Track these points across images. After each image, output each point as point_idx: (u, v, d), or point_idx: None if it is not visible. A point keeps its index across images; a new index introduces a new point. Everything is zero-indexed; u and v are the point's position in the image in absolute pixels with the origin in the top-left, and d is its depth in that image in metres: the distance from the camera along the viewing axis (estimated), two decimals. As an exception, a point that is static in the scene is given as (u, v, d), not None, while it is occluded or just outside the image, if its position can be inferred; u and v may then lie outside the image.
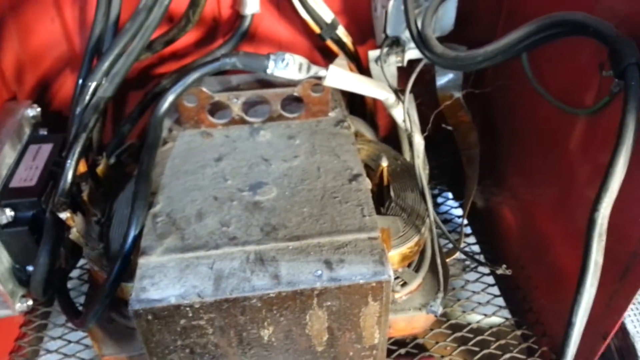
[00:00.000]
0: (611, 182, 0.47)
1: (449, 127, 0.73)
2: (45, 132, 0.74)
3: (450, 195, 0.91)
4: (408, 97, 0.64)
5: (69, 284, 0.68)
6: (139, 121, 0.76)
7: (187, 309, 0.47)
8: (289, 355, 0.53)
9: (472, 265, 0.77)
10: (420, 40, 0.62)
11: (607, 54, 0.53)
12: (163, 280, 0.48)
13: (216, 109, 0.69)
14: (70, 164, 0.55)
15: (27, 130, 0.73)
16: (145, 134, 0.60)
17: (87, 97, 0.56)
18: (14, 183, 0.64)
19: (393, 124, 0.87)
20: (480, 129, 0.74)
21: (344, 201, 0.56)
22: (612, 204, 0.46)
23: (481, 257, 0.77)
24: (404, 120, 0.62)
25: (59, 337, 0.71)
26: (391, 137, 0.83)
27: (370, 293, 0.49)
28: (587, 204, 0.60)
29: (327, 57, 0.80)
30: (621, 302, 0.54)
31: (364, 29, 0.78)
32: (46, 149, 0.70)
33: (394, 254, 0.58)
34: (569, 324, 0.49)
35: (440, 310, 0.57)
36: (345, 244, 0.51)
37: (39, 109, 0.74)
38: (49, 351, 0.69)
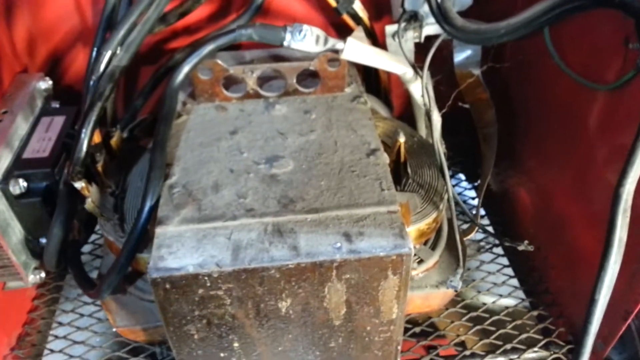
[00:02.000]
0: (637, 156, 0.46)
1: (466, 105, 0.72)
2: (58, 105, 0.73)
3: (462, 177, 0.90)
4: (426, 72, 0.63)
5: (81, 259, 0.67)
6: (151, 96, 0.75)
7: (205, 278, 0.46)
8: (306, 328, 0.53)
9: (487, 246, 0.76)
10: (440, 13, 0.61)
11: (633, 27, 0.52)
12: (181, 250, 0.47)
13: (230, 82, 0.68)
14: (86, 132, 0.54)
15: (39, 103, 0.72)
16: (159, 106, 0.59)
17: (102, 66, 0.55)
18: (27, 154, 0.64)
19: (406, 103, 0.86)
20: (497, 107, 0.72)
21: (362, 175, 0.55)
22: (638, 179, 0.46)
23: (495, 240, 0.76)
24: (422, 96, 0.61)
25: (71, 311, 0.70)
26: (404, 116, 0.82)
27: (390, 266, 0.48)
28: (606, 185, 0.59)
29: (342, 34, 0.79)
30: (643, 280, 0.53)
31: (380, 3, 0.77)
32: (59, 121, 0.69)
33: (412, 230, 0.57)
34: (591, 302, 0.48)
35: (460, 286, 0.57)
36: (365, 217, 0.50)
37: (50, 82, 0.74)
38: (61, 324, 0.69)
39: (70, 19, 0.77)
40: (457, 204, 0.60)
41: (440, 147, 0.60)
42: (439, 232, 0.64)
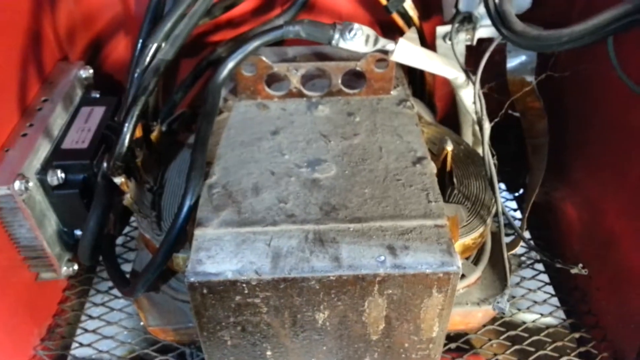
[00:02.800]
0: None
1: (516, 114, 0.68)
2: (98, 95, 0.72)
3: (503, 186, 0.87)
4: (479, 78, 0.60)
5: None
6: (191, 89, 0.74)
7: (244, 285, 0.45)
8: (341, 341, 0.51)
9: (529, 262, 0.73)
10: (498, 16, 0.58)
11: None
12: (219, 254, 0.46)
13: (273, 80, 0.66)
14: (129, 127, 0.53)
15: (79, 92, 0.71)
16: (202, 101, 0.58)
17: (148, 59, 0.54)
18: (66, 144, 0.63)
19: (449, 107, 0.83)
20: (548, 117, 0.69)
21: (407, 184, 0.53)
22: None
23: (537, 256, 0.73)
24: (474, 103, 0.58)
25: (101, 304, 0.70)
26: (446, 121, 0.79)
27: (436, 284, 0.46)
28: None
29: (388, 34, 0.76)
30: None
31: (430, 3, 0.74)
32: (98, 111, 0.68)
33: (457, 244, 0.54)
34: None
35: (507, 308, 0.54)
36: (410, 229, 0.48)
37: (91, 71, 0.73)
38: (91, 317, 0.69)
39: (113, 7, 0.76)
40: (504, 217, 0.57)
41: (490, 158, 0.57)
42: (482, 246, 0.62)
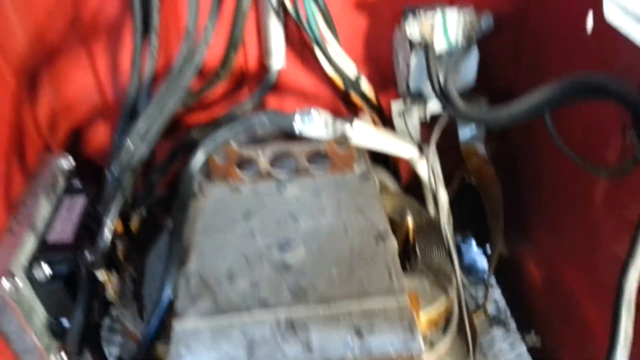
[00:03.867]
0: (638, 250, 0.48)
1: (471, 181, 0.74)
2: (79, 183, 0.76)
3: (473, 241, 0.92)
4: (432, 153, 0.65)
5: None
6: (168, 171, 0.78)
7: (222, 376, 0.48)
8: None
9: (500, 318, 0.77)
10: (444, 98, 0.63)
11: (630, 118, 0.53)
12: (198, 347, 0.49)
13: (243, 161, 0.70)
14: (108, 224, 0.56)
15: (62, 182, 0.75)
16: (176, 189, 0.62)
17: (124, 157, 0.58)
18: (51, 238, 0.66)
19: (414, 172, 0.88)
20: (504, 182, 0.74)
21: (371, 262, 0.57)
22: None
23: (507, 312, 0.77)
24: (429, 178, 0.63)
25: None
26: (413, 184, 0.83)
27: (401, 362, 0.50)
28: (614, 259, 0.60)
29: (350, 106, 0.82)
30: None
31: (385, 76, 0.79)
32: (80, 201, 0.72)
33: (422, 318, 0.58)
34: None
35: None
36: (375, 310, 0.52)
37: (72, 161, 0.77)
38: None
39: (91, 96, 0.80)
40: (465, 286, 0.61)
41: (447, 230, 0.61)
42: (450, 311, 0.65)
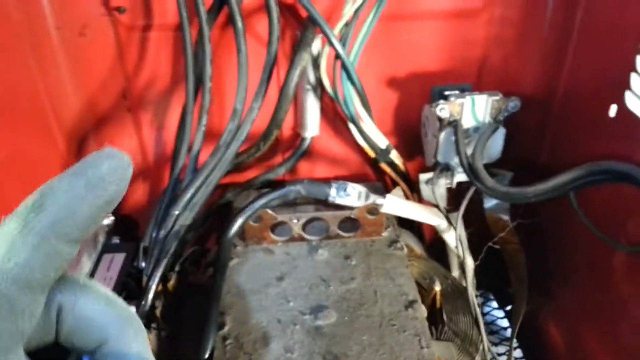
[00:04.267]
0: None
1: (497, 246, 0.76)
2: (118, 241, 0.80)
3: (494, 304, 0.93)
4: (460, 223, 0.68)
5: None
6: (201, 229, 0.82)
7: None
8: None
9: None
10: (471, 172, 0.67)
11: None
12: (235, 411, 0.51)
13: (277, 225, 0.74)
14: (151, 287, 0.59)
15: (102, 239, 0.79)
16: (216, 255, 0.65)
17: (170, 224, 0.62)
18: (91, 294, 0.69)
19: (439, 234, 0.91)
20: (528, 248, 0.76)
21: (401, 330, 0.59)
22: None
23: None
24: (456, 247, 0.66)
25: None
26: (437, 245, 0.86)
27: None
28: (636, 325, 0.61)
29: (378, 171, 0.85)
30: None
31: (413, 147, 0.83)
32: (119, 258, 0.75)
33: (449, 384, 0.60)
34: None
35: None
36: (406, 378, 0.54)
37: (112, 218, 0.81)
38: None
39: (134, 158, 0.85)
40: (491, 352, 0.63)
41: (474, 298, 0.63)
42: (474, 379, 0.66)
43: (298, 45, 0.68)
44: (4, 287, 0.20)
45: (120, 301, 0.25)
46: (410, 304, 0.62)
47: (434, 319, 0.67)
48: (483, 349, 0.63)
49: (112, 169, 0.22)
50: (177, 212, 0.61)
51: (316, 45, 0.70)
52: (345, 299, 0.64)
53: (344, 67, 0.67)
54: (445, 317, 0.67)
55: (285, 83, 0.65)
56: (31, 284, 0.21)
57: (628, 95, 0.59)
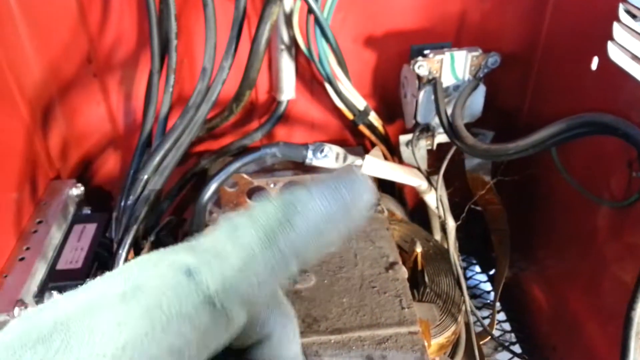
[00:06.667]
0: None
1: (479, 208, 0.75)
2: (89, 211, 0.77)
3: (477, 268, 0.92)
4: (440, 184, 0.66)
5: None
6: (177, 198, 0.79)
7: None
8: None
9: (505, 343, 0.77)
10: (451, 131, 0.65)
11: (636, 155, 0.55)
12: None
13: (254, 190, 0.71)
14: (121, 254, 0.57)
15: (72, 209, 0.76)
16: (190, 222, 0.63)
17: (139, 190, 0.59)
18: (60, 265, 0.67)
19: (421, 199, 0.90)
20: (509, 209, 0.75)
21: (382, 291, 0.58)
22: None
23: (512, 336, 0.78)
24: (437, 207, 0.64)
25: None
26: (418, 210, 0.85)
27: (413, 390, 0.50)
28: (618, 284, 0.61)
29: (357, 135, 0.83)
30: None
31: (393, 109, 0.81)
32: (90, 228, 0.73)
33: (432, 344, 0.59)
34: None
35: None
36: (387, 338, 0.52)
37: (82, 188, 0.78)
38: None
39: (103, 127, 0.82)
40: (473, 313, 0.62)
41: (456, 259, 0.62)
42: (457, 339, 0.66)
43: (267, -2, 0.65)
44: (227, 304, 0.19)
45: (284, 299, 0.23)
46: (391, 265, 0.61)
47: (416, 281, 0.66)
48: (465, 310, 0.62)
49: (369, 203, 0.20)
50: (145, 177, 0.58)
51: (288, 1, 0.67)
52: (325, 262, 0.62)
53: (317, 21, 0.64)
54: (426, 279, 0.66)
55: (255, 38, 0.62)
56: (252, 304, 0.20)
57: (610, 45, 0.57)
